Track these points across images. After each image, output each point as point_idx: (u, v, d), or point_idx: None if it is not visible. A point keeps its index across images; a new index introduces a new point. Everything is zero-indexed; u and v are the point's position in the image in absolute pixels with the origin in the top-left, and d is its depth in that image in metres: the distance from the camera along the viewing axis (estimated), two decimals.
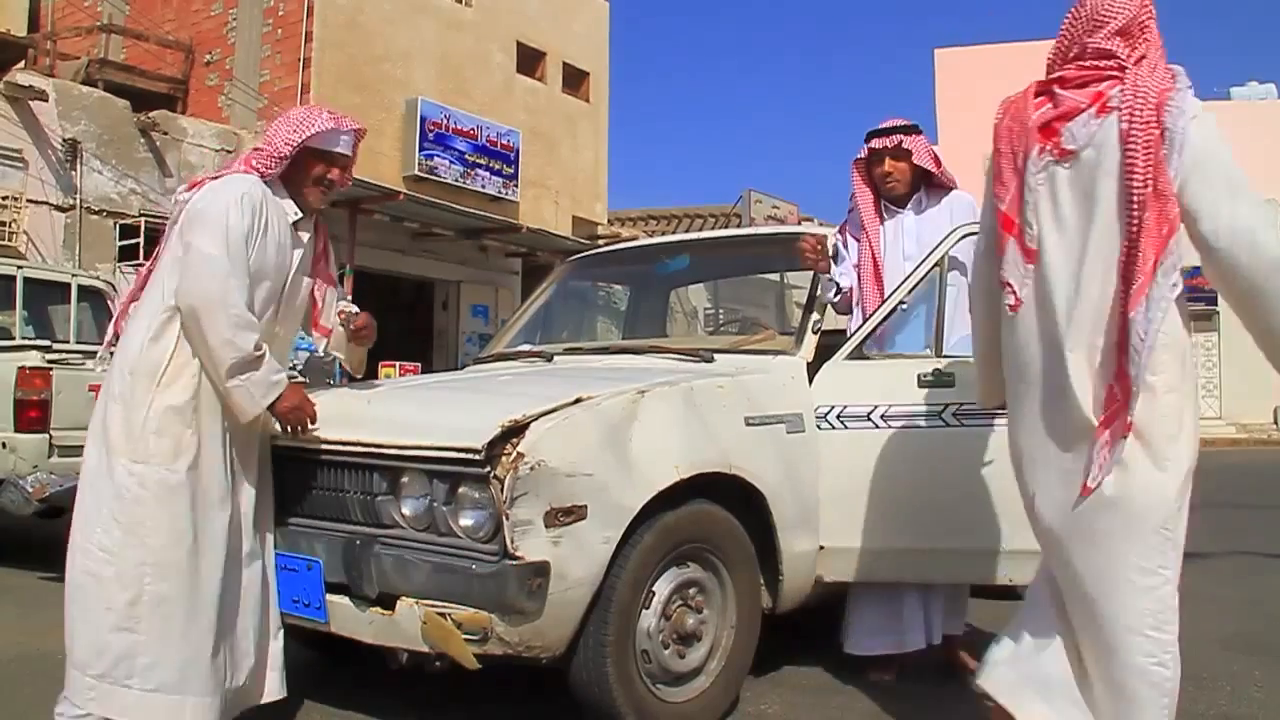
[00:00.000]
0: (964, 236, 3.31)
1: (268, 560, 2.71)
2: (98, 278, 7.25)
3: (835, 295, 3.49)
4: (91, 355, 5.60)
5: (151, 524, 2.45)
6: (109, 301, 6.81)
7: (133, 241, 11.16)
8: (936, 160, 3.51)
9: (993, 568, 3.12)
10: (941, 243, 3.26)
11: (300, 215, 2.73)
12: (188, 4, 14.37)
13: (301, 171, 2.70)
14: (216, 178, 2.69)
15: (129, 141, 11.56)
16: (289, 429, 2.65)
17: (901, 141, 3.42)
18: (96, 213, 11.18)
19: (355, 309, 2.94)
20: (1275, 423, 22.96)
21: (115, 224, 11.29)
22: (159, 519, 2.46)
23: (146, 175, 11.67)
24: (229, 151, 12.56)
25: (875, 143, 3.44)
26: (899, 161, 3.44)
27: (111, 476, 2.48)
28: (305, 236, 2.77)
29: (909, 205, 3.50)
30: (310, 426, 2.67)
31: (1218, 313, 18.99)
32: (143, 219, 11.26)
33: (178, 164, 11.96)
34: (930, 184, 3.53)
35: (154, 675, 2.43)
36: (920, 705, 3.13)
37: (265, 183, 2.65)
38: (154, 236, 11.19)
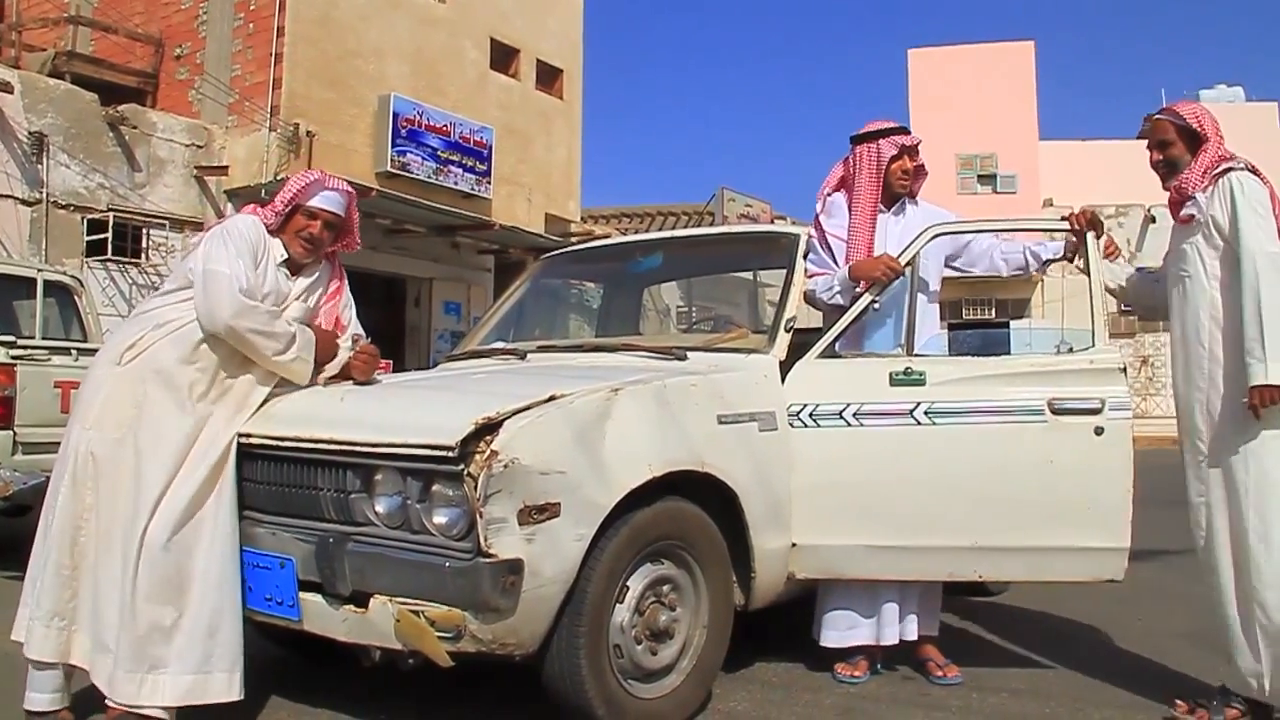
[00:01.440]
0: (934, 237, 3.36)
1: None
2: (64, 273, 7.12)
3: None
4: (58, 351, 5.53)
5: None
6: (76, 297, 6.72)
7: (100, 236, 11.00)
8: None
9: (964, 564, 3.16)
10: (913, 242, 3.30)
11: (285, 255, 2.98)
12: None
13: (290, 225, 2.99)
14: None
15: (97, 135, 11.40)
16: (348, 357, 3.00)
17: (919, 143, 3.54)
18: (64, 207, 11.02)
19: (365, 336, 3.14)
20: None
21: (83, 219, 11.13)
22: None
23: (115, 170, 11.52)
24: (199, 146, 12.43)
25: (908, 140, 3.50)
26: (914, 161, 3.53)
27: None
28: (305, 281, 3.03)
29: (893, 207, 3.55)
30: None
31: None
32: (111, 214, 11.11)
33: (147, 159, 11.83)
34: None
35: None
36: (889, 701, 3.16)
37: (270, 232, 2.97)
38: (122, 231, 11.12)
